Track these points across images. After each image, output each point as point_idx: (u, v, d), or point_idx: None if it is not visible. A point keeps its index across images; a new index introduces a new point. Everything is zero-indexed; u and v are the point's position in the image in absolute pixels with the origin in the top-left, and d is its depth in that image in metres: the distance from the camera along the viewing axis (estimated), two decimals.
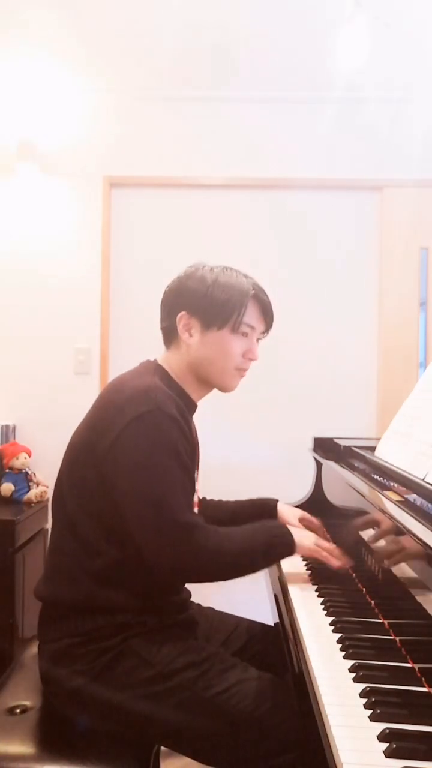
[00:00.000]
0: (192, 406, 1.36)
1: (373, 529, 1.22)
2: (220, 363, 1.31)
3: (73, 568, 1.21)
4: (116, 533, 1.18)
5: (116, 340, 2.85)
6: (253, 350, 1.34)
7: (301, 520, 1.54)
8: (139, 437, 1.15)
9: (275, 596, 1.37)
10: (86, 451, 1.21)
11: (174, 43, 2.42)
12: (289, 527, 1.30)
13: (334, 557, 1.33)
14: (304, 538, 1.31)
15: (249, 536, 1.23)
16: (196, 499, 1.40)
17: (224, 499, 1.63)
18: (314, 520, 1.58)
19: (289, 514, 1.54)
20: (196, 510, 1.40)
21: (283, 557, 1.28)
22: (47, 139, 2.79)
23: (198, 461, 1.44)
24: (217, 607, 1.50)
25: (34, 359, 2.83)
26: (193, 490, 1.27)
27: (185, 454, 1.21)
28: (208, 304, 1.28)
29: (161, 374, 1.30)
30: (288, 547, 1.26)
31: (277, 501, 1.58)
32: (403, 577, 1.05)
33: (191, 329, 1.30)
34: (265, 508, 1.56)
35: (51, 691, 1.22)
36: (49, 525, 2.63)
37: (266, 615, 1.42)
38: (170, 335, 1.34)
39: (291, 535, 1.26)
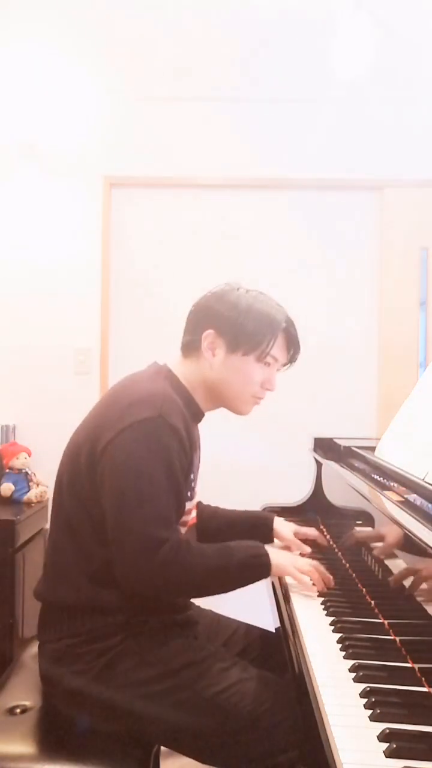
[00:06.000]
0: (199, 415, 1.35)
1: (381, 542, 1.21)
2: (237, 388, 1.30)
3: (71, 568, 1.20)
4: (107, 534, 1.16)
5: (116, 340, 2.85)
6: (271, 381, 1.33)
7: (297, 534, 1.52)
8: (135, 441, 1.14)
9: (275, 596, 1.37)
10: (87, 448, 1.20)
11: (174, 43, 2.43)
12: (267, 548, 1.24)
13: (312, 579, 1.28)
14: (281, 560, 1.26)
15: (225, 556, 1.19)
16: (194, 502, 1.39)
17: (224, 499, 1.62)
18: (310, 532, 1.55)
19: (284, 529, 1.52)
20: (193, 514, 1.40)
21: (258, 579, 1.25)
22: (47, 139, 2.79)
23: (198, 466, 1.44)
24: (216, 610, 1.49)
25: (34, 359, 2.83)
26: (182, 505, 1.24)
27: (180, 467, 1.18)
28: (239, 329, 1.27)
29: (172, 380, 1.28)
30: (264, 568, 1.22)
31: (274, 516, 1.55)
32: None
33: (216, 349, 1.29)
34: (261, 523, 1.53)
35: (51, 691, 1.22)
36: (48, 525, 2.62)
37: (266, 619, 1.41)
38: (191, 349, 1.32)
39: (267, 557, 1.21)
